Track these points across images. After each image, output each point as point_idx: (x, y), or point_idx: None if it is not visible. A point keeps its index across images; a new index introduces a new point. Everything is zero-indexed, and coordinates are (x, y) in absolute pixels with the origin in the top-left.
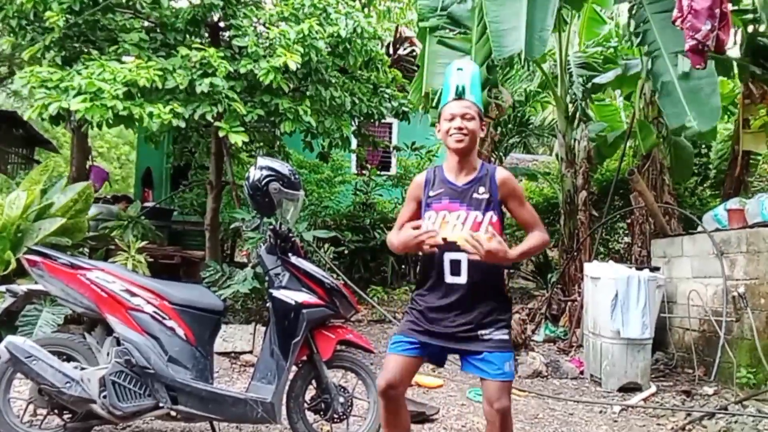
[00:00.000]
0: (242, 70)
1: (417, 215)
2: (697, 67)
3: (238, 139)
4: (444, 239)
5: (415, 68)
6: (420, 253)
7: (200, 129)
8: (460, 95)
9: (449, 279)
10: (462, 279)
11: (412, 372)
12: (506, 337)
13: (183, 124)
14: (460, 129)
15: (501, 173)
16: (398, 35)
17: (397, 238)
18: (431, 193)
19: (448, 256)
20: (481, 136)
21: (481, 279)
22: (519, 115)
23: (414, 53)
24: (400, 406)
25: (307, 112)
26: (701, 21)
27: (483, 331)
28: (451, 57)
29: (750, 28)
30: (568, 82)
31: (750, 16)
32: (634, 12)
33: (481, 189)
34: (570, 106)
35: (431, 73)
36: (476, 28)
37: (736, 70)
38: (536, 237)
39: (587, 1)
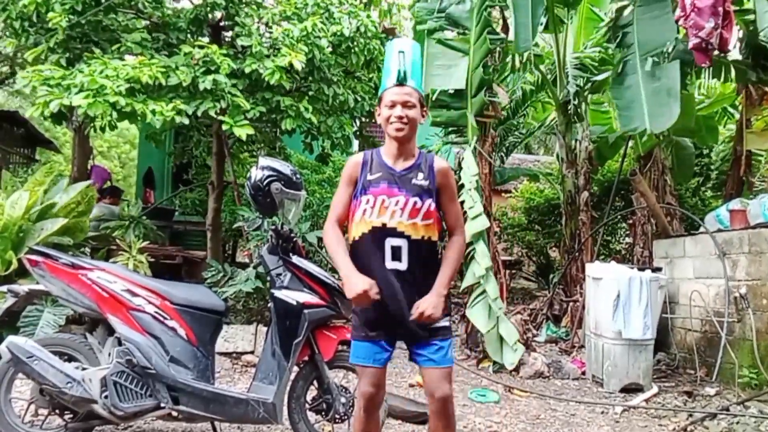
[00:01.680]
0: (247, 70)
1: (351, 198)
2: (702, 65)
3: (242, 132)
4: (383, 224)
5: None
6: (352, 241)
7: (201, 128)
8: (401, 81)
9: (390, 265)
10: (403, 265)
11: (385, 375)
12: (448, 323)
13: (186, 121)
14: (401, 118)
15: (440, 162)
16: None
17: (336, 252)
18: (369, 177)
19: (389, 242)
20: (421, 123)
21: (421, 264)
22: (518, 114)
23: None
24: (376, 417)
25: (308, 109)
26: (704, 18)
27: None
28: (451, 58)
29: (751, 28)
30: (566, 83)
31: (751, 16)
32: (622, 12)
33: (420, 175)
34: (570, 107)
35: (430, 75)
36: (474, 28)
37: (733, 73)
38: (455, 249)
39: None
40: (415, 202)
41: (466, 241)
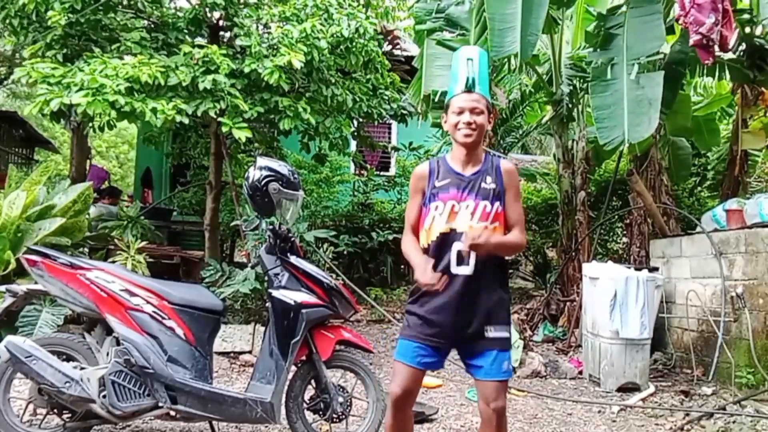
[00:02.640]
0: (246, 69)
1: (421, 207)
2: (705, 62)
3: (241, 134)
4: (452, 229)
5: (402, 63)
6: (422, 249)
7: (199, 129)
8: (470, 88)
9: (455, 269)
10: (469, 269)
11: (421, 380)
12: (508, 335)
13: (186, 120)
14: (469, 124)
15: (506, 164)
16: (382, 29)
17: (409, 252)
18: (437, 184)
19: (456, 246)
20: (488, 129)
21: (487, 269)
22: (516, 115)
23: (398, 46)
24: (408, 415)
25: (306, 109)
26: (705, 15)
27: (489, 327)
28: (450, 59)
29: (747, 29)
30: (561, 83)
31: (747, 16)
32: (614, 12)
33: (488, 179)
34: (563, 106)
35: (430, 76)
36: (474, 29)
37: (727, 74)
38: (516, 236)
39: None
40: (485, 206)
41: None
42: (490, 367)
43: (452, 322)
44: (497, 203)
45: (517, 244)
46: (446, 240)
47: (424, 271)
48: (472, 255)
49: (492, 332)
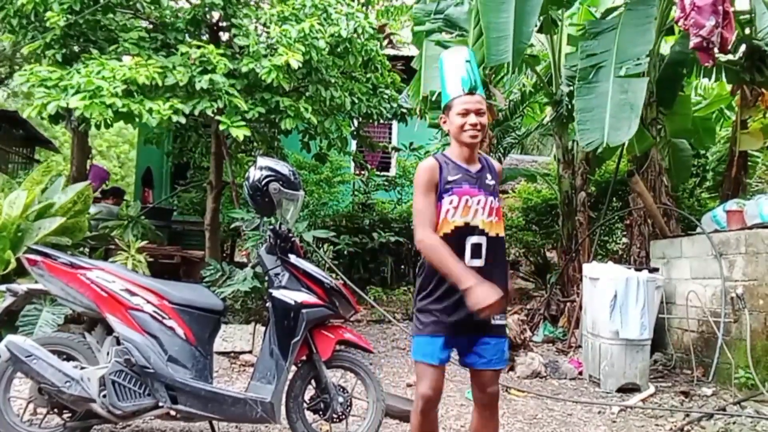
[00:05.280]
0: (244, 69)
1: (437, 202)
2: (706, 65)
3: (239, 133)
4: (466, 223)
5: (401, 61)
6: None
7: (199, 129)
8: (472, 90)
9: (470, 262)
10: (481, 261)
11: (444, 376)
12: (505, 322)
13: (183, 120)
14: (475, 125)
15: (497, 164)
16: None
17: (445, 258)
18: (450, 178)
19: (470, 240)
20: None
21: (496, 261)
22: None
23: (391, 43)
24: (435, 416)
25: (307, 108)
26: (705, 17)
27: (495, 315)
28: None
29: (747, 30)
30: (561, 83)
31: (747, 17)
32: (608, 14)
33: (489, 176)
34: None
35: (429, 77)
36: (473, 30)
37: (725, 75)
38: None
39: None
40: (491, 201)
41: None
42: (492, 356)
43: (469, 313)
44: (497, 199)
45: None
46: (462, 234)
47: (482, 298)
48: (484, 248)
49: (497, 320)
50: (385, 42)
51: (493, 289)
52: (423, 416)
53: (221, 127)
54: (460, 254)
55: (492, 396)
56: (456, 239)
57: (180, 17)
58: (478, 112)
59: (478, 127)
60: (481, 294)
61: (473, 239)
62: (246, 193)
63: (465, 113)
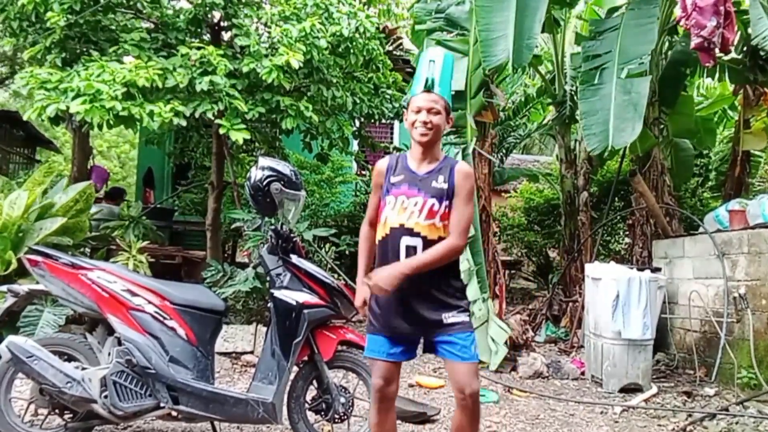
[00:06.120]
0: (245, 69)
1: (380, 201)
2: (706, 65)
3: (239, 136)
4: (401, 224)
5: (403, 61)
6: (377, 242)
7: (200, 129)
8: (429, 88)
9: None
10: None
11: (398, 370)
12: (467, 319)
13: (184, 123)
14: (425, 123)
15: (462, 166)
16: (384, 29)
17: (360, 251)
18: (392, 180)
19: (405, 242)
20: (446, 129)
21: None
22: (519, 115)
23: (401, 46)
24: (392, 411)
25: (308, 108)
26: (706, 18)
27: (446, 315)
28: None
29: (749, 30)
30: (564, 83)
31: (749, 17)
32: (611, 14)
33: (440, 178)
34: (566, 107)
35: None
36: (474, 29)
37: (729, 75)
38: (445, 245)
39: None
40: (433, 204)
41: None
42: (462, 351)
43: (406, 314)
44: (446, 203)
45: (442, 256)
46: (396, 235)
47: (356, 300)
48: (420, 250)
49: (450, 318)
50: (395, 45)
51: (359, 296)
52: (377, 407)
53: (221, 131)
54: (396, 256)
55: (471, 397)
56: (392, 240)
57: (181, 17)
58: (431, 111)
59: (429, 126)
60: (356, 296)
61: (408, 240)
62: (247, 193)
63: (418, 111)
